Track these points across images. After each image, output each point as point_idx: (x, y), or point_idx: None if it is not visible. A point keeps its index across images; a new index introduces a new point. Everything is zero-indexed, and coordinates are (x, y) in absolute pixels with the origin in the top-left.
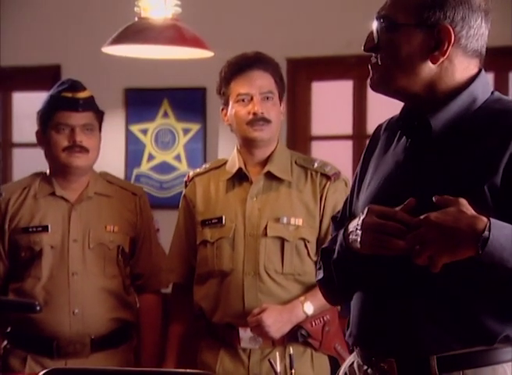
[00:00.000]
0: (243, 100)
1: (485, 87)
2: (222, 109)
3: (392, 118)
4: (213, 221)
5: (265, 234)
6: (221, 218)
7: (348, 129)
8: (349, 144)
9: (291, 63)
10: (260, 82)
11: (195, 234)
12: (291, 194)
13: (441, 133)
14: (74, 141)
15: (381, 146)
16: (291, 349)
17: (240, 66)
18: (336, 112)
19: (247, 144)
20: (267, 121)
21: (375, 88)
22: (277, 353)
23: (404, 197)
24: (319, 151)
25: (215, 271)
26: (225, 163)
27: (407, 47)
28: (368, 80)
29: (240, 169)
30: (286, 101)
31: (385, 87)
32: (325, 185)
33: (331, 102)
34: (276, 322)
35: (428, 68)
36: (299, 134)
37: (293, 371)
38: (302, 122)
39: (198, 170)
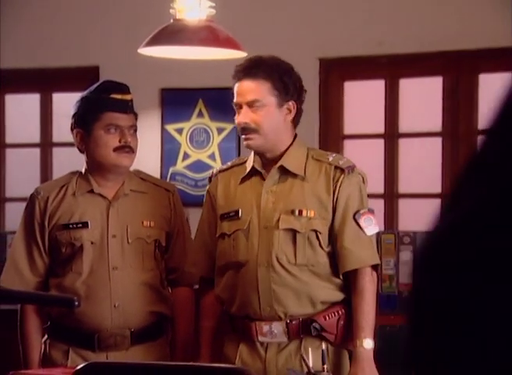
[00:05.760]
0: (238, 108)
1: None
2: None
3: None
4: (230, 214)
5: (278, 227)
6: (237, 211)
7: (380, 128)
8: (381, 142)
9: (323, 63)
10: (247, 90)
11: (215, 228)
12: (304, 187)
13: None
14: (126, 141)
15: None
16: (323, 345)
17: (236, 75)
18: (368, 111)
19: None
20: (252, 130)
21: None
22: (309, 349)
23: None
24: (351, 150)
25: (231, 262)
26: (246, 160)
27: None
28: None
29: (253, 167)
30: (317, 100)
31: None
32: (338, 178)
33: (363, 102)
34: None
35: None
36: (331, 133)
37: (325, 366)
38: (334, 121)
39: (222, 167)
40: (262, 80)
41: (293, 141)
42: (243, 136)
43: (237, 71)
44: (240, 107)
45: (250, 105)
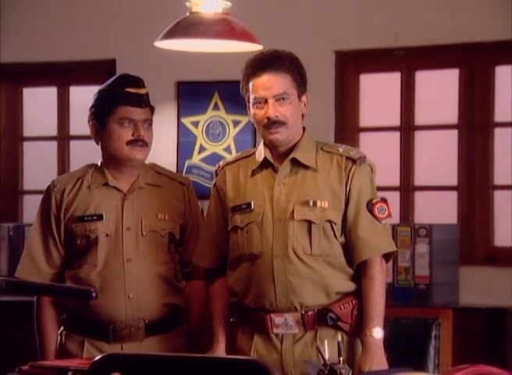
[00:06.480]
0: (259, 102)
1: None
2: (247, 105)
3: None
4: (242, 207)
5: (293, 218)
6: (250, 203)
7: (396, 120)
8: (396, 135)
9: (339, 56)
10: (273, 84)
11: (225, 221)
12: (316, 178)
13: None
14: (139, 135)
15: None
16: (339, 337)
17: (254, 69)
18: (384, 103)
19: (268, 144)
20: (282, 123)
21: None
22: (326, 341)
23: None
24: (367, 142)
25: (245, 254)
26: (254, 152)
27: None
28: None
29: (265, 159)
30: (333, 93)
31: None
32: (350, 168)
33: (379, 94)
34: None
35: None
36: (347, 126)
37: (341, 358)
38: (350, 114)
39: (228, 159)
40: (284, 74)
41: (303, 133)
42: (272, 129)
43: (256, 65)
44: (265, 101)
45: (278, 98)
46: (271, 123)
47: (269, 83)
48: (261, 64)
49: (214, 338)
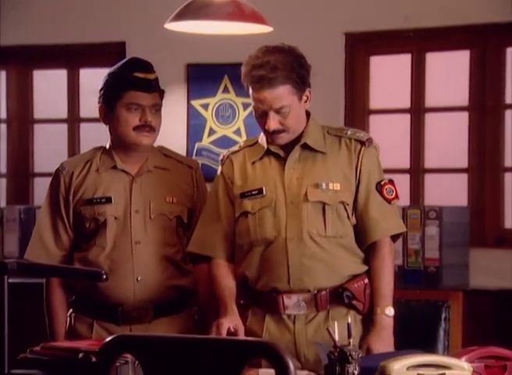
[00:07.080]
0: (263, 113)
1: None
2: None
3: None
4: (253, 192)
5: (306, 200)
6: (261, 189)
7: (406, 103)
8: (407, 117)
9: (349, 38)
10: (271, 100)
11: (233, 209)
12: (327, 162)
13: None
14: (146, 120)
15: None
16: (349, 318)
17: (251, 82)
18: (394, 86)
19: None
20: (283, 131)
21: None
22: (336, 322)
23: None
24: (377, 124)
25: (258, 240)
26: (257, 141)
27: None
28: None
29: (268, 148)
30: (343, 75)
31: None
32: (360, 150)
33: (389, 76)
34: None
35: None
36: (357, 108)
37: (351, 340)
38: (360, 96)
39: (233, 148)
40: (282, 86)
41: (308, 118)
42: (273, 136)
43: (252, 79)
44: (265, 112)
45: (277, 111)
46: (272, 132)
47: (267, 99)
48: (257, 80)
49: (223, 311)
